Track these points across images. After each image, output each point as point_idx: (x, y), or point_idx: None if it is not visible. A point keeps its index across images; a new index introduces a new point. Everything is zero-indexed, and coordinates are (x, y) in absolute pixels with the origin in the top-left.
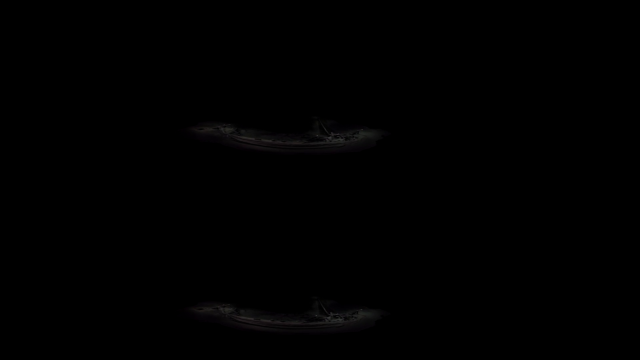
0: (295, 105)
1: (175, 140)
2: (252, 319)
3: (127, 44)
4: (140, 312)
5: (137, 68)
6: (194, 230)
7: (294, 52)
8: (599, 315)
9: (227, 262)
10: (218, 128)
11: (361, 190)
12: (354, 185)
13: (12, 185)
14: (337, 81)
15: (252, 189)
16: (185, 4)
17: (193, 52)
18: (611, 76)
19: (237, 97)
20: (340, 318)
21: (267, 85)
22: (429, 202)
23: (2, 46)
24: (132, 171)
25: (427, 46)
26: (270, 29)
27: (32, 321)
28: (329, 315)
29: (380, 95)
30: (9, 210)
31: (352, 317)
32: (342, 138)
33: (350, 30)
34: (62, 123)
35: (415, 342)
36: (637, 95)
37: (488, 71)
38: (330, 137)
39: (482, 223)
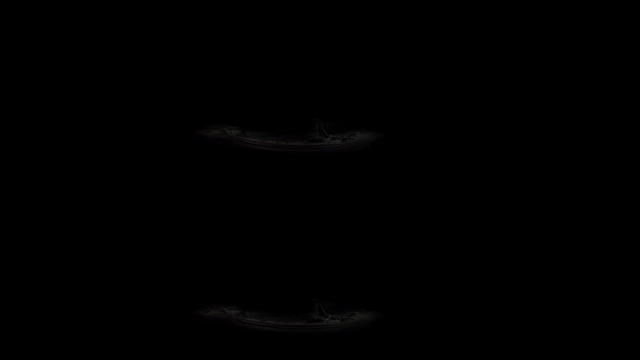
0: (297, 107)
1: (183, 142)
2: (258, 320)
3: (135, 51)
4: (147, 315)
5: (145, 74)
6: (200, 231)
7: (296, 58)
8: (597, 317)
9: (230, 264)
10: (224, 130)
11: (353, 191)
12: (346, 185)
13: (23, 189)
14: (338, 84)
15: (251, 191)
16: (194, 13)
17: (199, 61)
18: (595, 78)
19: (241, 101)
20: (338, 319)
21: (270, 90)
22: (419, 203)
23: (12, 51)
24: (139, 174)
25: (425, 50)
26: (273, 38)
27: (42, 325)
28: (327, 317)
29: (380, 98)
30: (17, 214)
31: (349, 318)
32: (339, 139)
33: (350, 36)
34: (72, 127)
35: (410, 343)
36: (637, 95)
37: (482, 75)
38: (328, 139)
39: (476, 224)
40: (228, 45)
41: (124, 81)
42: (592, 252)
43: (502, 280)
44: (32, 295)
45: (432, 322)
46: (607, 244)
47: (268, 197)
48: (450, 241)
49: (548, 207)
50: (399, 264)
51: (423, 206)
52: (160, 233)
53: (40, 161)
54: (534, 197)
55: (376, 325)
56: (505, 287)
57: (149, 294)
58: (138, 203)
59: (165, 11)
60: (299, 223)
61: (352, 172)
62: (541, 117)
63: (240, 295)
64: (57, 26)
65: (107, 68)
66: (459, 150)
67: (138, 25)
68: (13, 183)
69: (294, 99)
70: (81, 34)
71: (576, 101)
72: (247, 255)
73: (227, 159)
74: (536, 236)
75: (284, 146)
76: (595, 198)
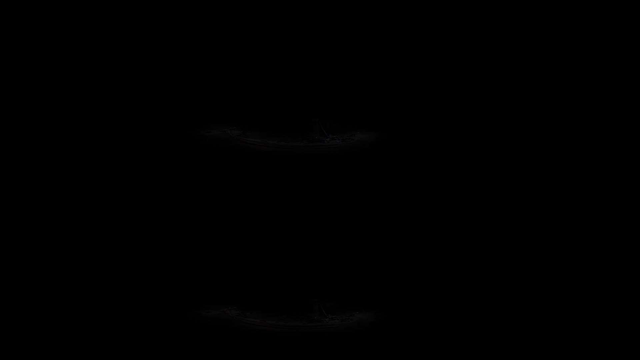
0: (297, 108)
1: (183, 143)
2: (259, 320)
3: (136, 52)
4: (148, 315)
5: (146, 74)
6: (201, 232)
7: (296, 58)
8: (597, 317)
9: (231, 264)
10: (225, 131)
11: (352, 191)
12: (346, 185)
13: (23, 190)
14: (338, 85)
15: (252, 191)
16: (195, 13)
17: (200, 61)
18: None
19: (242, 102)
20: (338, 319)
21: (270, 90)
22: (419, 203)
23: (13, 51)
24: (139, 174)
25: (424, 50)
26: (273, 38)
27: (43, 325)
28: (327, 317)
29: (380, 98)
30: (17, 215)
31: (349, 318)
32: (339, 139)
33: (350, 37)
34: (73, 128)
35: (410, 343)
36: (637, 96)
37: (481, 75)
38: (328, 139)
39: (476, 224)
40: (229, 46)
41: (125, 82)
42: (592, 252)
43: (502, 280)
44: (32, 295)
45: (432, 322)
46: (607, 244)
47: (268, 197)
48: (450, 241)
49: (547, 208)
50: (398, 264)
51: (423, 206)
52: (161, 233)
53: (42, 161)
54: (534, 198)
55: (376, 325)
56: (505, 287)
57: (150, 294)
58: (139, 203)
59: (166, 11)
60: (299, 223)
61: (352, 172)
62: (541, 118)
63: (241, 295)
64: (58, 26)
65: (108, 68)
66: (459, 150)
67: (139, 26)
68: (13, 184)
69: (294, 99)
70: (82, 34)
71: (575, 101)
72: (248, 256)
73: (228, 159)
74: (535, 236)
75: (284, 146)
76: (595, 198)
